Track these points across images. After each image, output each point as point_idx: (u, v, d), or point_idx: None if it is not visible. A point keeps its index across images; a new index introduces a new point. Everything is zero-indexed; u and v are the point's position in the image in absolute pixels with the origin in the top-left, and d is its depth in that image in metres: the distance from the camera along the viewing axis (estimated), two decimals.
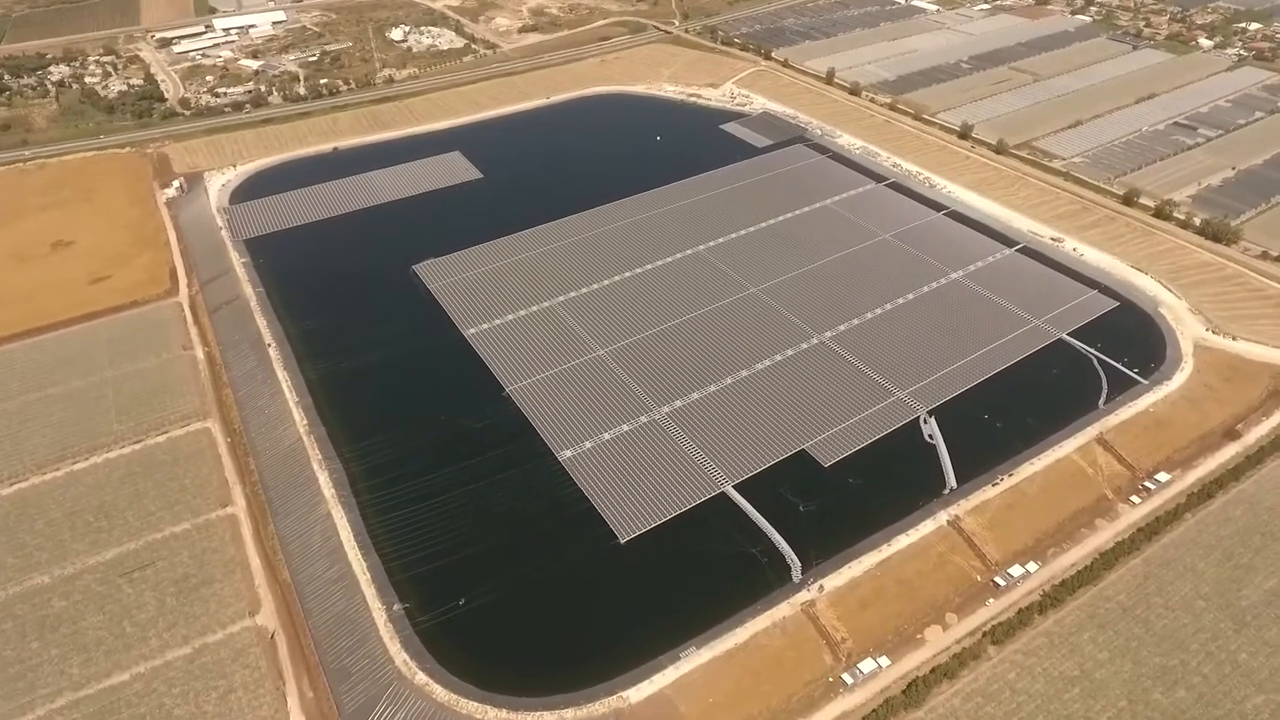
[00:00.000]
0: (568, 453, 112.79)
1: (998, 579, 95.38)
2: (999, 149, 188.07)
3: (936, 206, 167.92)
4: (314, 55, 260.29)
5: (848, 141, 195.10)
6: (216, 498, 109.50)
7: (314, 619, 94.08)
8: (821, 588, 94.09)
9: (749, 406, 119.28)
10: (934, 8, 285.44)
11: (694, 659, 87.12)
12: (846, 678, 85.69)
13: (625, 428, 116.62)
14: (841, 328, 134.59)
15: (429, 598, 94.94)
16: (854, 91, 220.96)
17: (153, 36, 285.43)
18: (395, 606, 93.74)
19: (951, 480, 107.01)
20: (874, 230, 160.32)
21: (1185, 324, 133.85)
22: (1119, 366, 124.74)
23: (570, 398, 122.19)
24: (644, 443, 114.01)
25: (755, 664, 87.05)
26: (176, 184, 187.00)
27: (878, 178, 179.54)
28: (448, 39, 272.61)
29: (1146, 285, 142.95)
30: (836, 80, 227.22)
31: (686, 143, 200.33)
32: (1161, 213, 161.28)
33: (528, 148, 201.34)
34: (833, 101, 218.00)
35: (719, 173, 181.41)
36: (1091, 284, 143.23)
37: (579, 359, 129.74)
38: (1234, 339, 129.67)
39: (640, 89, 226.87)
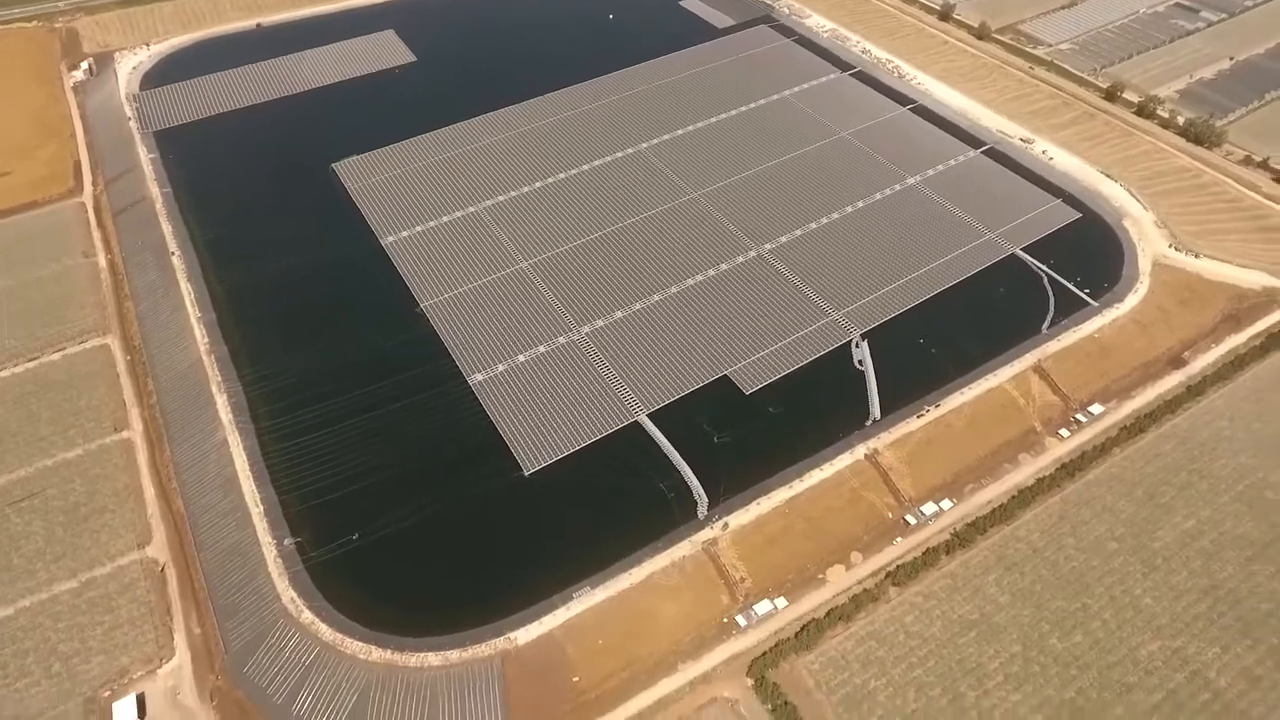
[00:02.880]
0: (479, 376, 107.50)
1: (909, 517, 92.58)
2: (980, 33, 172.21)
3: (902, 100, 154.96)
4: None
5: (816, 23, 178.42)
6: (112, 421, 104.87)
7: (205, 552, 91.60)
8: (726, 525, 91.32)
9: (674, 327, 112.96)
10: None
11: (587, 599, 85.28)
12: (740, 619, 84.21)
13: (542, 349, 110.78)
14: (783, 239, 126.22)
15: (322, 532, 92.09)
16: None
17: None
18: (286, 541, 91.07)
19: (876, 411, 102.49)
20: (832, 127, 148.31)
21: (1148, 239, 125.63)
22: (1069, 286, 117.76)
23: (487, 315, 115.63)
24: (560, 366, 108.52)
25: (649, 605, 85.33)
26: (85, 65, 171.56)
27: (844, 66, 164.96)
28: None
29: (1114, 194, 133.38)
30: None
31: (641, 21, 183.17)
32: (1144, 110, 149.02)
33: (468, 26, 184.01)
34: None
35: (672, 58, 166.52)
36: (1056, 192, 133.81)
37: (500, 272, 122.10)
38: (1197, 256, 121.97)
39: None
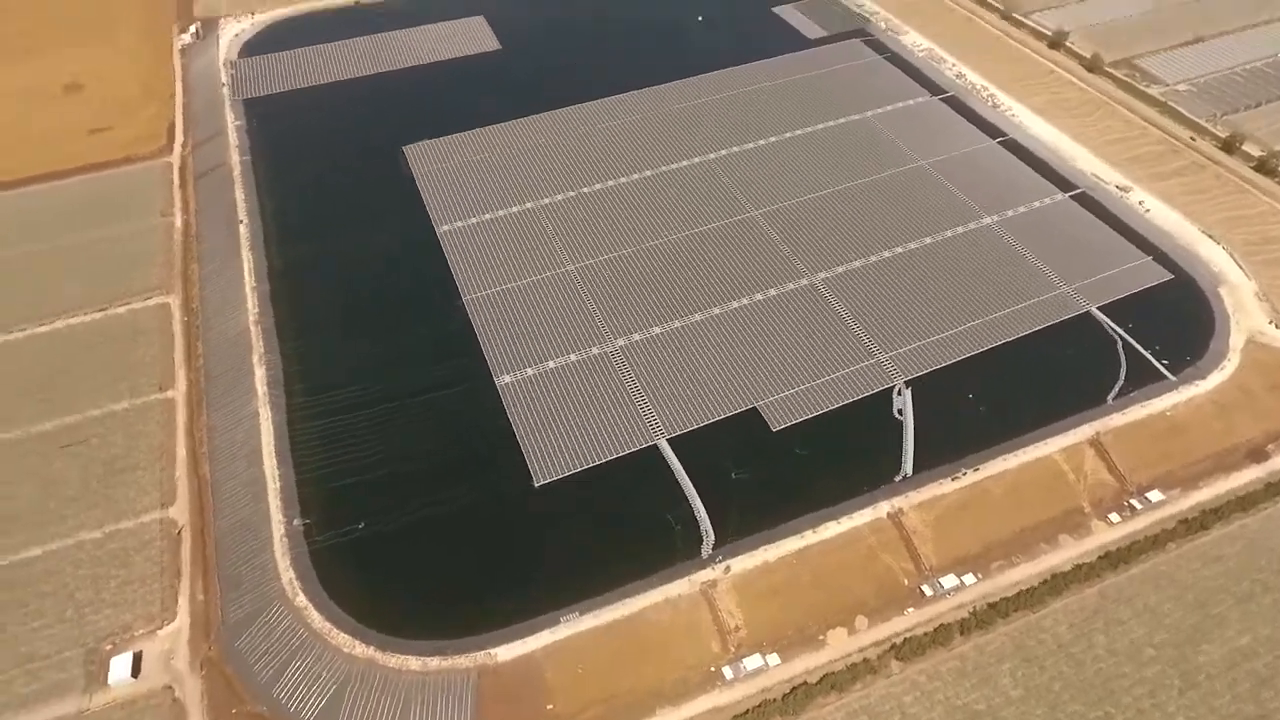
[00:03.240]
0: (507, 378, 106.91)
1: (925, 587, 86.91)
2: (1091, 65, 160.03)
3: (992, 132, 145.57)
4: None
5: (912, 41, 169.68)
6: (160, 380, 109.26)
7: (221, 520, 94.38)
8: (728, 568, 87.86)
9: (711, 351, 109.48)
10: None
11: (575, 625, 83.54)
12: (728, 671, 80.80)
13: (574, 357, 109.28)
14: (840, 269, 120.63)
15: (332, 516, 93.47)
16: None
17: None
18: (295, 521, 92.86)
19: (908, 466, 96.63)
20: (911, 154, 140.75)
21: (1245, 311, 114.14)
22: (1146, 355, 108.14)
23: (526, 316, 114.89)
24: (588, 377, 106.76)
25: (637, 640, 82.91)
26: (193, 29, 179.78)
27: (935, 89, 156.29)
28: None
29: (1214, 257, 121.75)
30: None
31: (731, 26, 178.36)
32: (1265, 166, 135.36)
33: (557, 18, 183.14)
34: None
35: (754, 67, 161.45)
36: (1147, 248, 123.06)
37: (546, 273, 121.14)
38: None
39: None
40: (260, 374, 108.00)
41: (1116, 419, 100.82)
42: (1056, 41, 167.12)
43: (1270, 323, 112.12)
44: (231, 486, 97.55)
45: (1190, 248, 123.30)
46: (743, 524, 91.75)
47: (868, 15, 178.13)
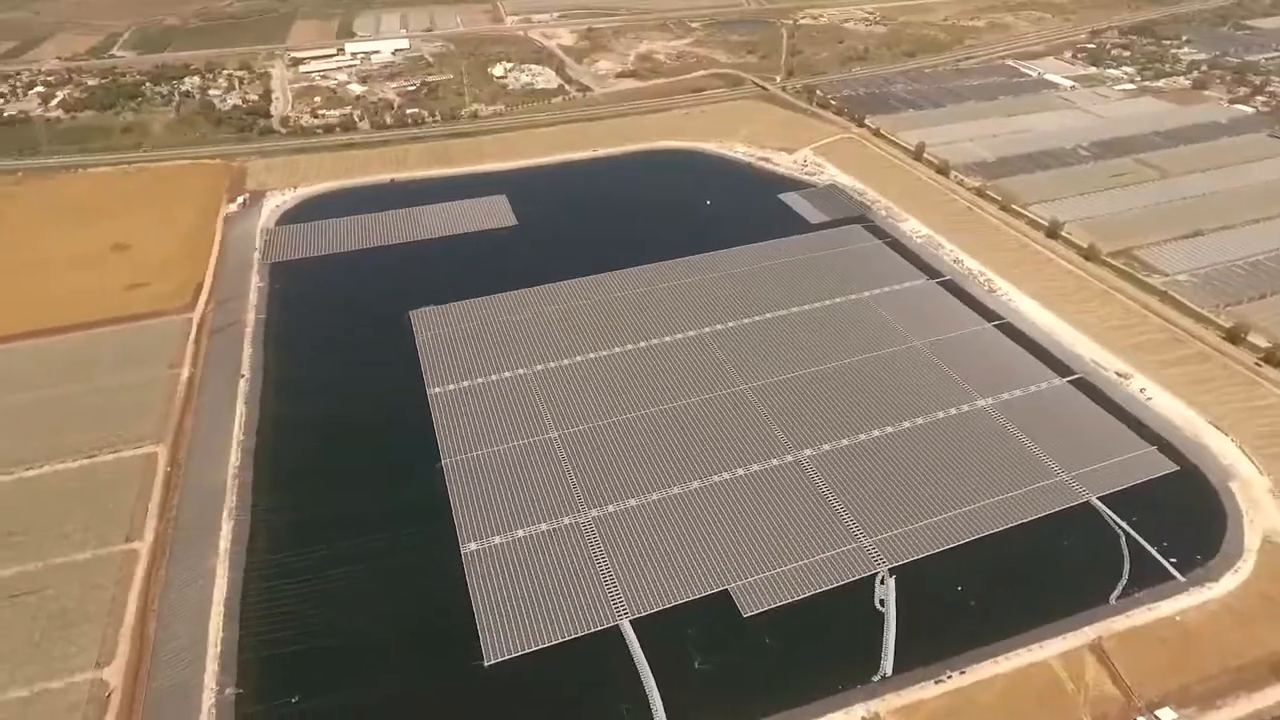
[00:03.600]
0: (473, 546, 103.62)
1: None
2: (1088, 254, 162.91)
3: (988, 315, 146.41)
4: (414, 85, 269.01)
5: (912, 227, 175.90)
6: (128, 531, 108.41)
7: (155, 683, 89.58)
8: None
9: (685, 526, 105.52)
10: (1069, 84, 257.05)
11: None
12: None
13: (544, 527, 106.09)
14: (826, 447, 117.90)
15: (268, 687, 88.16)
16: (941, 170, 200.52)
17: (288, 55, 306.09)
18: (227, 691, 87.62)
19: (888, 666, 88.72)
20: (905, 334, 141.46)
21: (1261, 509, 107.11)
22: (1152, 552, 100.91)
23: (503, 481, 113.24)
24: (557, 549, 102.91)
25: None
26: (240, 200, 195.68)
27: (933, 273, 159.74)
28: (545, 78, 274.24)
29: (1224, 450, 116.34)
30: (926, 156, 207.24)
31: (737, 210, 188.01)
32: (1273, 358, 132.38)
33: (575, 199, 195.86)
34: (914, 179, 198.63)
35: (756, 248, 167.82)
36: (1151, 438, 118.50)
37: (529, 439, 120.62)
38: None
39: (711, 146, 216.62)
40: (226, 529, 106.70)
41: (1120, 622, 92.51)
42: (1053, 231, 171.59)
43: None
44: (174, 647, 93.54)
45: (1197, 438, 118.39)
46: (701, 717, 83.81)
47: (869, 203, 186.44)
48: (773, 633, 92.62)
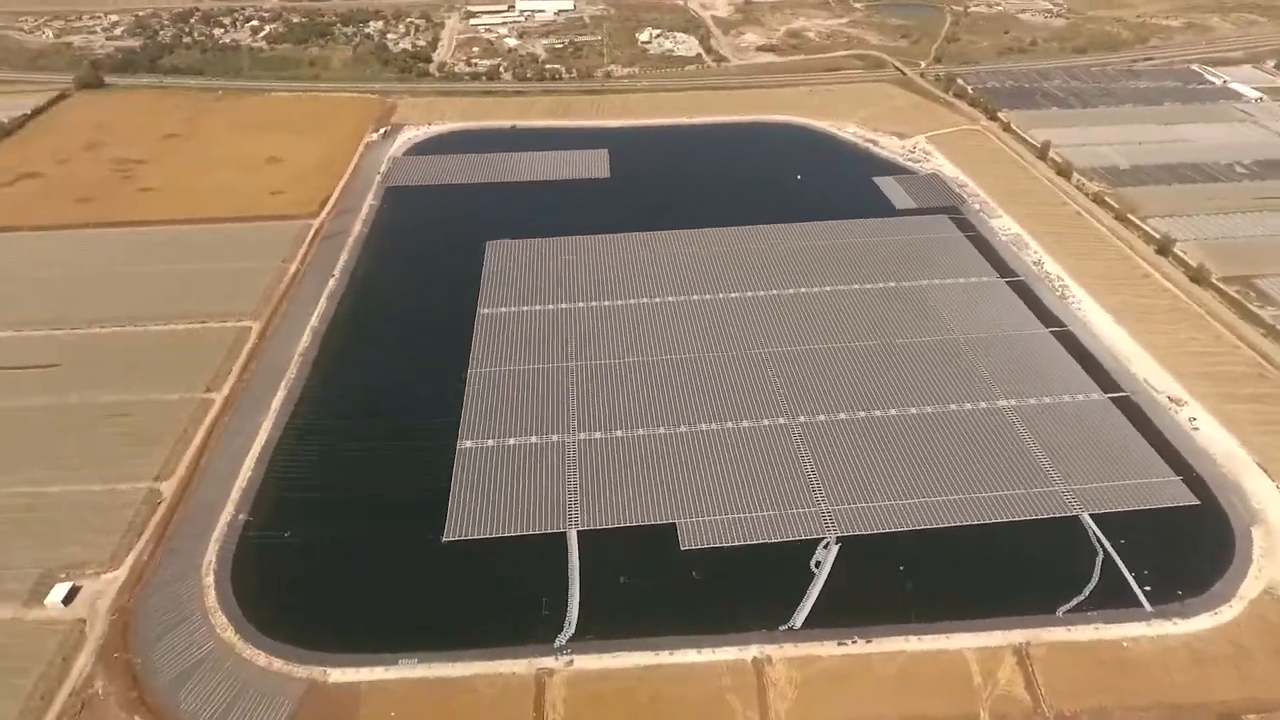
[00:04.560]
0: (468, 443, 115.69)
1: None
2: (1195, 276, 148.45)
3: (1049, 321, 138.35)
4: (562, 43, 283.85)
5: (1002, 224, 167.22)
6: (210, 383, 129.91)
7: (190, 501, 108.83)
8: (571, 662, 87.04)
9: (657, 463, 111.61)
10: (1256, 96, 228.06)
11: (408, 670, 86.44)
12: None
13: (534, 439, 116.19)
14: (822, 417, 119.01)
15: (271, 519, 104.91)
16: (1062, 172, 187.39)
17: (465, 9, 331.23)
18: (241, 515, 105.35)
19: (799, 619, 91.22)
20: (949, 326, 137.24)
21: (1277, 559, 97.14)
22: (1126, 576, 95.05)
23: (512, 395, 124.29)
24: (538, 459, 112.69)
25: (453, 703, 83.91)
26: (381, 131, 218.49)
27: (1005, 271, 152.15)
28: (687, 46, 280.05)
29: (1260, 492, 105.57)
30: (1051, 155, 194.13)
31: (826, 188, 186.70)
32: None
33: (672, 160, 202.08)
34: (1027, 177, 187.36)
35: (827, 224, 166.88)
36: (1181, 468, 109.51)
37: (548, 364, 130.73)
38: None
39: (822, 124, 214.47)
40: (281, 395, 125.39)
41: (1057, 634, 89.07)
42: (1164, 247, 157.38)
43: None
44: (213, 477, 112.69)
45: (1234, 477, 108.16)
46: (608, 628, 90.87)
47: (966, 196, 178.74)
48: (703, 568, 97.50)
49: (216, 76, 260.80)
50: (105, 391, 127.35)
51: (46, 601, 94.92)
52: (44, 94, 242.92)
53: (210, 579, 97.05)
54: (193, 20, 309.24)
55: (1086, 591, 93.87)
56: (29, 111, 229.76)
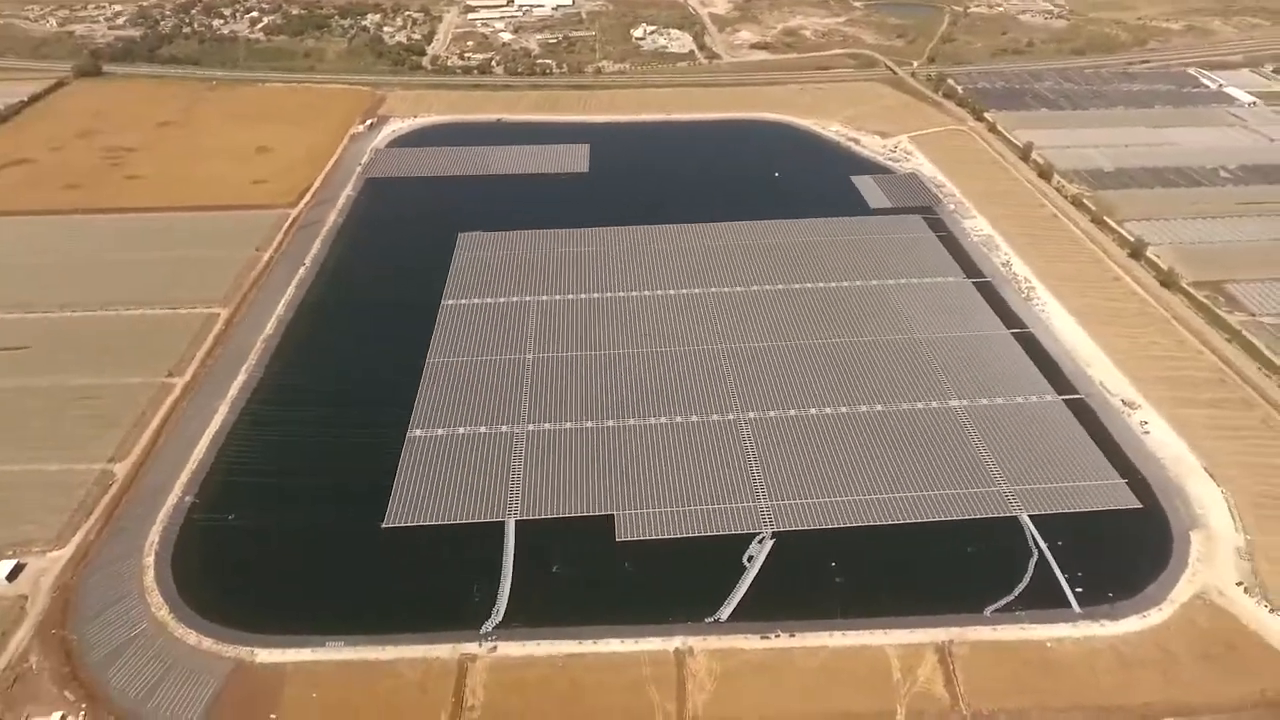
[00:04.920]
0: (419, 432, 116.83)
1: None
2: (1165, 280, 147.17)
3: (1011, 322, 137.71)
4: (556, 38, 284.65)
5: (975, 225, 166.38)
6: (173, 368, 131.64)
7: (139, 484, 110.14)
8: (495, 648, 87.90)
9: (599, 455, 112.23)
10: (1249, 100, 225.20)
11: (333, 652, 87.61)
12: None
13: (482, 429, 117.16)
14: (772, 414, 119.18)
15: (216, 502, 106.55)
16: (1043, 174, 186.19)
17: (463, 3, 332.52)
18: (186, 498, 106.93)
19: (725, 613, 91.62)
20: (909, 325, 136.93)
21: (1213, 564, 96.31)
22: (1059, 577, 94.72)
23: (467, 386, 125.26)
24: (485, 449, 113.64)
25: (376, 687, 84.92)
26: (368, 123, 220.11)
27: (972, 272, 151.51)
28: (680, 43, 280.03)
29: (1206, 498, 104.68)
30: (1034, 157, 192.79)
31: (802, 186, 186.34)
32: None
33: (652, 156, 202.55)
34: (1007, 178, 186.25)
35: (798, 222, 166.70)
36: (1127, 471, 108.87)
37: (505, 356, 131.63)
38: (1272, 610, 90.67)
39: (806, 122, 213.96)
40: (240, 381, 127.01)
41: (982, 633, 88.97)
42: (1136, 251, 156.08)
43: (1240, 585, 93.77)
44: (166, 458, 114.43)
45: (1179, 481, 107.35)
46: (536, 616, 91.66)
47: (943, 197, 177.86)
48: (635, 560, 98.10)
49: (213, 67, 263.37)
50: (74, 375, 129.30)
51: None
52: (43, 81, 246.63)
53: (151, 559, 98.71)
54: (194, 11, 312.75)
55: (1016, 592, 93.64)
56: (25, 99, 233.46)
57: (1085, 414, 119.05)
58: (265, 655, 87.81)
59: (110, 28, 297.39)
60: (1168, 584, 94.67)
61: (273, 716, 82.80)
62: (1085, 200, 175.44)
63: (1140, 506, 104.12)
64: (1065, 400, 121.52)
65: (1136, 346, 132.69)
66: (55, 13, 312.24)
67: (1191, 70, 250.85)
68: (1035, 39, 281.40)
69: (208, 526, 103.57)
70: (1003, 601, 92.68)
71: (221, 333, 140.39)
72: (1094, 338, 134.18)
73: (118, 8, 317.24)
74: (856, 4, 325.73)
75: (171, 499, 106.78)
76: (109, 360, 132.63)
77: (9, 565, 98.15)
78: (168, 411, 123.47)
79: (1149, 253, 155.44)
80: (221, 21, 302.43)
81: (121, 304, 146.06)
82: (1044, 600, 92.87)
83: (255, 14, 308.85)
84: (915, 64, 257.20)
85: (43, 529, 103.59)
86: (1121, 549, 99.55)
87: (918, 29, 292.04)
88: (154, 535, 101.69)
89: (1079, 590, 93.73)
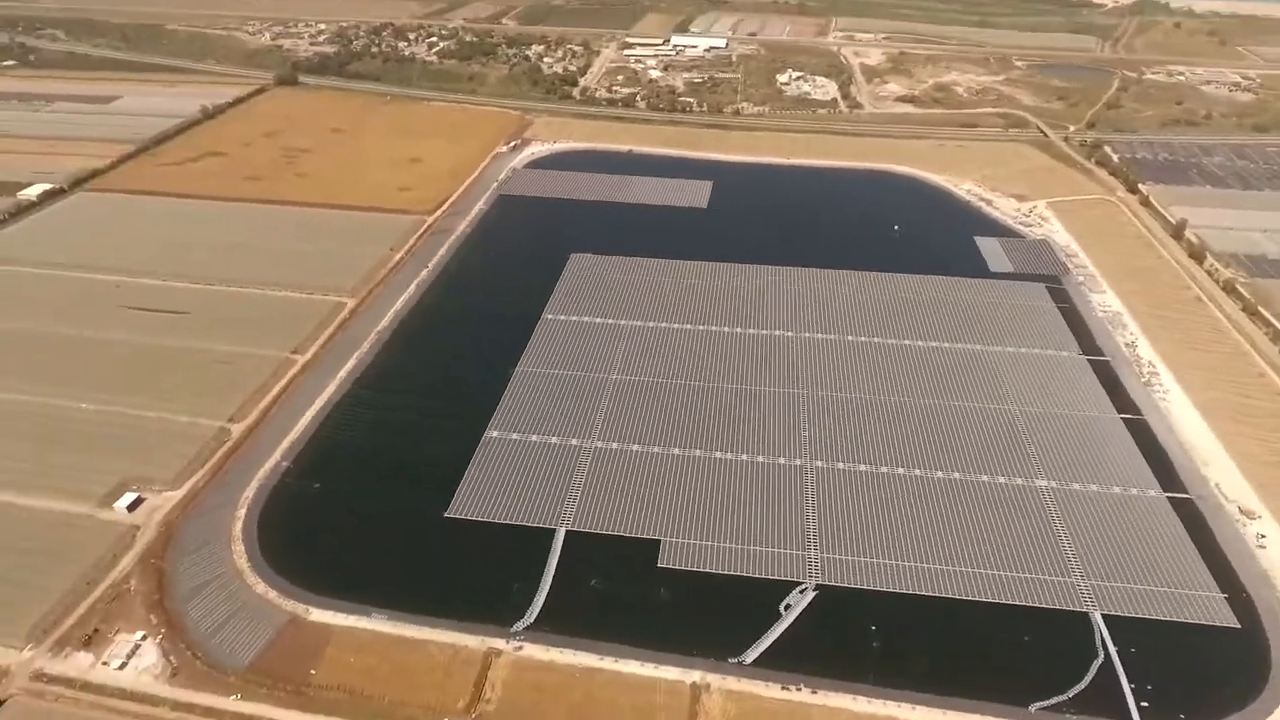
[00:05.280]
0: (494, 433, 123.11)
1: None
2: None
3: (1124, 407, 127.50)
4: (702, 78, 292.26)
5: (1102, 300, 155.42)
6: (298, 346, 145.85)
7: (250, 441, 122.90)
8: (521, 648, 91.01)
9: (661, 480, 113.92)
10: None
11: (375, 623, 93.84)
12: None
13: (554, 440, 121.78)
14: (840, 466, 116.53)
15: (308, 469, 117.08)
16: (1194, 254, 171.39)
17: (624, 40, 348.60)
18: (284, 463, 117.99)
19: (752, 655, 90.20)
20: (1010, 396, 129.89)
21: None
22: (1124, 685, 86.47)
23: (548, 397, 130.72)
24: (553, 458, 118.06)
25: (407, 661, 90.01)
26: (511, 144, 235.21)
27: (1091, 349, 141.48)
28: (824, 91, 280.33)
29: None
30: (1187, 236, 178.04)
31: (923, 242, 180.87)
32: None
33: (774, 198, 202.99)
34: (1151, 255, 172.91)
35: (912, 278, 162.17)
36: (1229, 585, 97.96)
37: (590, 373, 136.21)
38: None
39: (938, 179, 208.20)
40: (351, 364, 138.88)
41: None
42: None
43: None
44: (274, 425, 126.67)
45: None
46: (566, 624, 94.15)
47: (1073, 267, 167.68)
48: (674, 588, 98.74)
49: (390, 83, 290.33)
50: (219, 341, 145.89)
51: (115, 505, 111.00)
52: (248, 87, 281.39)
53: (243, 511, 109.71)
54: (384, 33, 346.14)
55: (1070, 694, 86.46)
56: (231, 100, 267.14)
57: (1192, 516, 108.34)
58: (317, 615, 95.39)
59: (312, 44, 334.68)
60: (1256, 715, 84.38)
61: (313, 671, 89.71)
62: (1240, 286, 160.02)
63: (1239, 627, 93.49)
64: (1170, 498, 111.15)
65: (1271, 453, 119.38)
66: (270, 28, 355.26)
67: None
68: (1214, 111, 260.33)
69: (296, 491, 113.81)
70: (1052, 700, 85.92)
71: (345, 320, 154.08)
72: (1218, 435, 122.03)
73: (321, 26, 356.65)
74: (1019, 63, 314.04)
75: (271, 461, 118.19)
76: (249, 333, 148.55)
77: (131, 497, 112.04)
78: (286, 384, 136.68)
79: None
80: (405, 44, 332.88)
81: (270, 285, 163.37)
82: (1101, 708, 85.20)
83: (434, 39, 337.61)
84: (1071, 128, 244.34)
85: (164, 471, 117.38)
86: (1206, 669, 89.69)
87: (1081, 92, 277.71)
88: (250, 491, 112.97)
89: (1144, 704, 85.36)
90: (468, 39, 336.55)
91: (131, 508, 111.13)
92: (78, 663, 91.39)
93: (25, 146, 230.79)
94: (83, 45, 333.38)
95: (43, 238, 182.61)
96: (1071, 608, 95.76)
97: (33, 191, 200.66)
